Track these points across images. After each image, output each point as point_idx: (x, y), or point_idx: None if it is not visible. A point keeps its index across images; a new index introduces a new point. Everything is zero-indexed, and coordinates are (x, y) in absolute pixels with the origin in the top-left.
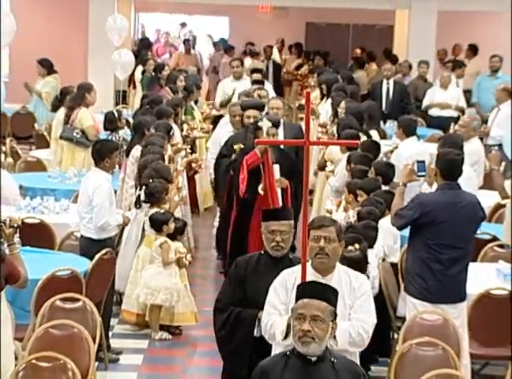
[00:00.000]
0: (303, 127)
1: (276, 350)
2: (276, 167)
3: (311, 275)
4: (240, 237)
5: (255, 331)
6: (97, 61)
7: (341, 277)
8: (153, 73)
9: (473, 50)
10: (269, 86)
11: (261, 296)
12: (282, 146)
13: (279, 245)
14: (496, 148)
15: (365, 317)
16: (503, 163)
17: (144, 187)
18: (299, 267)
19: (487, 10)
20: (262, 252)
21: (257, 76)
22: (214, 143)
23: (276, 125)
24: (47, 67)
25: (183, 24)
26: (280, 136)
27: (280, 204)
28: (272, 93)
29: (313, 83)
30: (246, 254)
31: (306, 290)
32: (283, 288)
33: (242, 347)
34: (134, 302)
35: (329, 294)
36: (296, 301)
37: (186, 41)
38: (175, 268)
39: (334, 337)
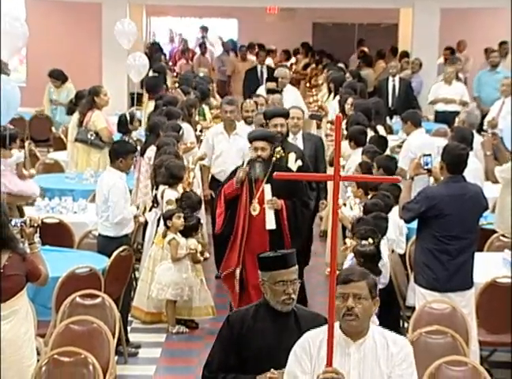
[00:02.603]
0: (324, 139)
1: None
2: (267, 187)
3: (341, 339)
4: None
5: None
6: (111, 64)
7: (376, 341)
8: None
9: None
10: (293, 91)
11: (261, 359)
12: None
13: (291, 298)
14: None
15: None
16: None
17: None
18: (325, 328)
19: (488, 7)
20: (259, 303)
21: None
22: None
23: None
24: (61, 77)
25: (204, 28)
26: (299, 146)
27: (274, 227)
28: (296, 98)
29: (321, 81)
30: (241, 308)
31: None
32: (306, 354)
33: None
34: (144, 300)
35: None
36: None
37: (242, 47)
38: (187, 264)
39: None
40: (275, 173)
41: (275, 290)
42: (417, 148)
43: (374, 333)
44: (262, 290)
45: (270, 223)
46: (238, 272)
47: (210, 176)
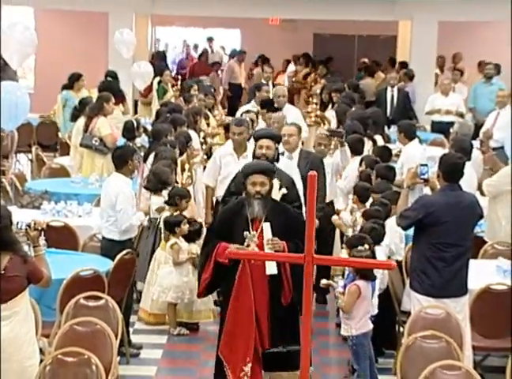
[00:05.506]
0: (324, 160)
1: None
2: (267, 225)
3: None
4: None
5: None
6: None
7: None
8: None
9: None
10: (293, 109)
11: None
12: (278, 192)
13: None
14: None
15: None
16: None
17: (168, 190)
18: None
19: (485, 20)
20: None
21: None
22: (211, 174)
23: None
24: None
25: (210, 39)
26: (294, 166)
27: (275, 272)
28: (297, 117)
29: (318, 91)
30: None
31: None
32: None
33: None
34: (149, 302)
35: None
36: None
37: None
38: (188, 267)
39: None
40: (228, 251)
41: None
42: (416, 160)
43: None
44: None
45: (271, 268)
46: (249, 368)
47: (215, 199)
